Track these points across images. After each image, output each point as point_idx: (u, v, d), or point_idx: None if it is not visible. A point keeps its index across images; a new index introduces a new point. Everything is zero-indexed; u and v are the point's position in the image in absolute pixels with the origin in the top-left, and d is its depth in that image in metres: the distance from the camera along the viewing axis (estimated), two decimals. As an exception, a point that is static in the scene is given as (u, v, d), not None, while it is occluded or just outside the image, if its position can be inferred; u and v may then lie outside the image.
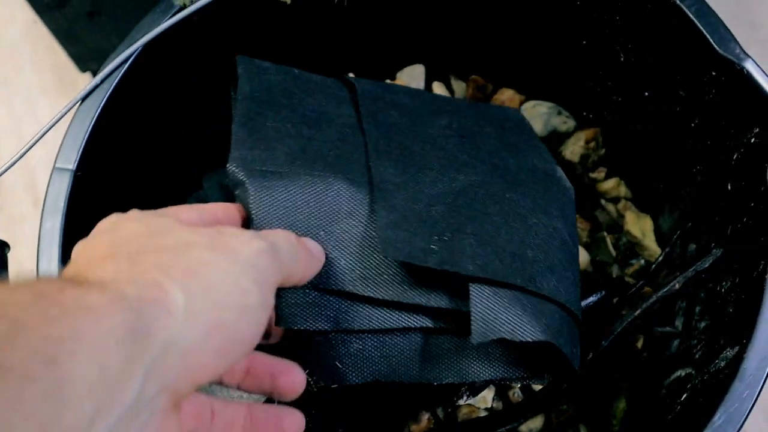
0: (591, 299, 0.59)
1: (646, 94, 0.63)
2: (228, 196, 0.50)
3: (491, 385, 0.60)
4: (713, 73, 0.55)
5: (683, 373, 0.55)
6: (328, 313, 0.45)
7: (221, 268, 0.32)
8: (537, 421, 0.60)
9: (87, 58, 0.89)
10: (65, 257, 0.51)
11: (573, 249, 0.52)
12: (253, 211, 0.44)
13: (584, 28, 0.64)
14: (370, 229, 0.46)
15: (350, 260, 0.45)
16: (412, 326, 0.46)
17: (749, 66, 0.53)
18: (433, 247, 0.45)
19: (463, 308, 0.45)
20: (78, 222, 0.52)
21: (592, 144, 0.69)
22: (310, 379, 0.44)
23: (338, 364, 0.46)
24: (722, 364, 0.50)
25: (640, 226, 0.67)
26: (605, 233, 0.68)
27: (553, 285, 0.47)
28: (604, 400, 0.61)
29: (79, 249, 0.34)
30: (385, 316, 0.46)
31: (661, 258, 0.61)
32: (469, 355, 0.48)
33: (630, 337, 0.60)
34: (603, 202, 0.70)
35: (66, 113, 0.54)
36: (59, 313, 0.25)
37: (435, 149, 0.54)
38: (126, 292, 0.28)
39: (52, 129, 0.54)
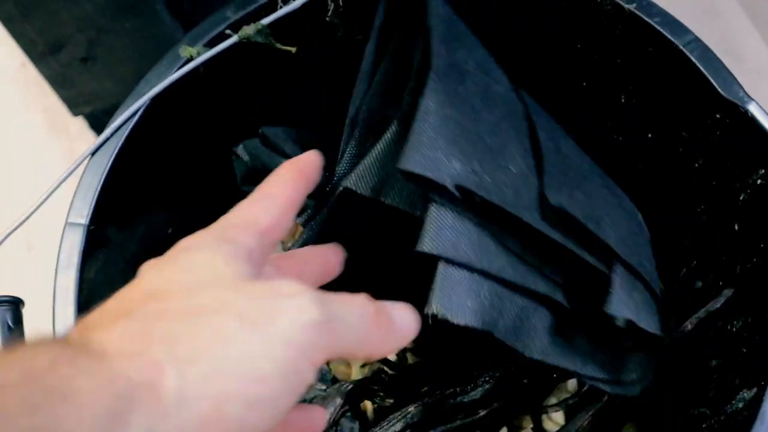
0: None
1: (649, 135, 0.64)
2: None
3: (505, 428, 0.60)
4: (717, 116, 0.56)
5: (696, 412, 0.56)
6: (473, 247, 0.46)
7: (242, 347, 0.28)
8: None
9: (80, 102, 0.89)
10: (81, 311, 0.51)
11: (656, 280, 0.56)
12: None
13: (584, 71, 0.65)
14: (532, 183, 0.50)
15: (514, 197, 0.48)
16: (531, 287, 0.48)
17: (753, 108, 0.54)
18: (585, 217, 0.49)
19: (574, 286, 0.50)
20: (92, 276, 0.52)
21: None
22: (436, 312, 0.44)
23: (470, 304, 0.45)
24: (740, 405, 0.50)
25: (643, 263, 0.68)
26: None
27: (650, 270, 0.53)
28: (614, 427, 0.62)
29: (120, 293, 0.31)
30: (513, 270, 0.48)
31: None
32: (558, 342, 0.50)
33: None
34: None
35: (74, 170, 0.54)
36: (42, 400, 0.24)
37: (574, 151, 0.60)
38: (121, 373, 0.26)
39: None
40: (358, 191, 0.48)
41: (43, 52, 0.79)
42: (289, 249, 0.50)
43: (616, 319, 0.49)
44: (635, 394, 0.51)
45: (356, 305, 0.32)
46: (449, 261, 0.45)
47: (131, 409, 0.25)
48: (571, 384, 0.61)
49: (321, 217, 0.51)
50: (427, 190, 0.45)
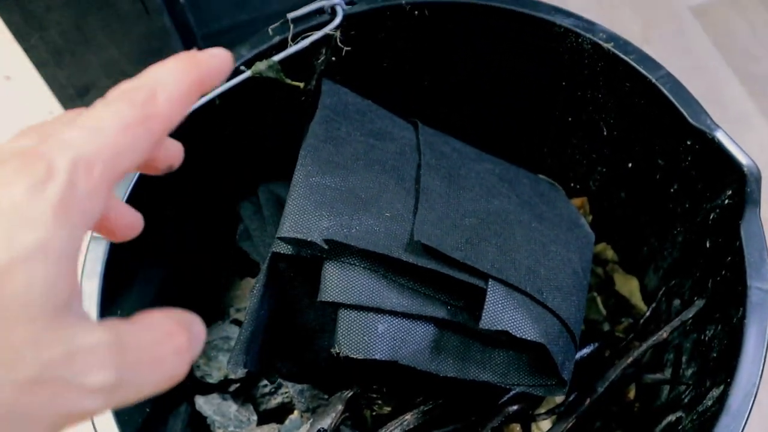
0: (585, 350, 0.64)
1: (629, 165, 0.69)
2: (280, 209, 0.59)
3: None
4: (688, 143, 0.61)
5: (674, 418, 0.59)
6: (362, 290, 0.52)
7: None
8: (540, 470, 0.64)
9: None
10: (103, 315, 0.56)
11: (583, 281, 0.59)
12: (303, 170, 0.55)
13: (569, 107, 0.71)
14: (408, 223, 0.54)
15: (386, 238, 0.53)
16: (429, 315, 0.53)
17: (720, 135, 0.59)
18: (461, 246, 0.53)
19: (473, 306, 0.54)
20: (115, 283, 0.57)
21: (581, 211, 0.75)
22: (339, 351, 0.51)
23: (366, 339, 0.52)
24: (709, 403, 0.54)
25: (627, 287, 0.72)
26: (595, 293, 0.73)
27: (558, 302, 0.54)
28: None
29: None
30: (408, 302, 0.53)
31: (648, 313, 0.66)
32: (472, 357, 0.55)
33: (623, 385, 0.64)
34: (593, 265, 0.75)
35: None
36: None
37: (478, 179, 0.62)
38: None
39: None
40: (282, 251, 0.55)
41: (71, 95, 0.85)
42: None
43: (491, 331, 0.53)
44: (562, 395, 0.55)
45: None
46: (345, 305, 0.52)
47: None
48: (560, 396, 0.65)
49: (260, 280, 0.56)
50: (301, 247, 0.54)
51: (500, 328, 0.51)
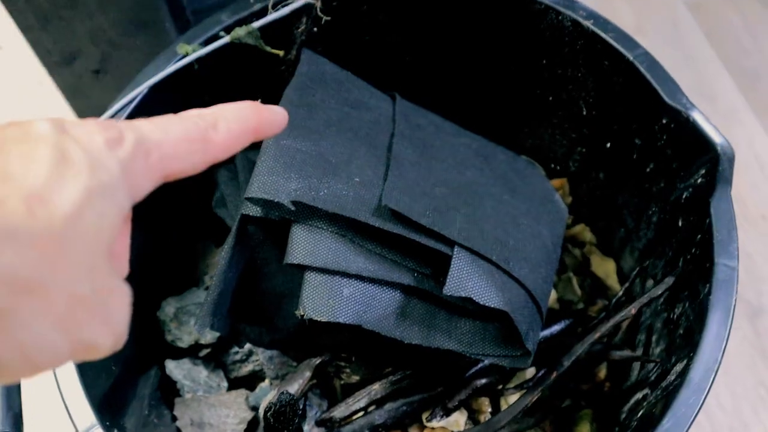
0: (556, 327, 0.64)
1: (608, 144, 0.69)
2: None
3: (463, 409, 0.64)
4: (663, 122, 0.61)
5: (641, 395, 0.59)
6: (329, 253, 0.52)
7: None
8: (506, 444, 0.64)
9: (92, 114, 0.95)
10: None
11: (552, 254, 0.59)
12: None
13: (550, 85, 0.71)
14: (377, 189, 0.54)
15: (354, 202, 0.53)
16: (396, 281, 0.53)
17: (695, 114, 0.59)
18: (428, 213, 0.53)
19: (440, 275, 0.54)
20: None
21: (560, 193, 0.75)
22: (303, 313, 0.51)
23: (330, 302, 0.52)
24: (672, 378, 0.54)
25: (603, 268, 0.72)
26: (571, 274, 0.73)
27: (525, 272, 0.54)
28: (571, 424, 0.65)
29: None
30: (375, 267, 0.53)
31: (621, 293, 0.66)
32: (438, 326, 0.55)
33: (592, 362, 0.64)
34: (569, 246, 0.75)
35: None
36: None
37: (452, 151, 0.62)
38: None
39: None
40: (251, 214, 0.55)
41: (57, 62, 0.85)
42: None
43: (457, 299, 0.53)
44: (526, 367, 0.55)
45: None
46: (311, 268, 0.52)
47: None
48: (529, 371, 0.65)
49: (229, 242, 0.56)
50: (270, 209, 0.53)
51: (464, 295, 0.51)
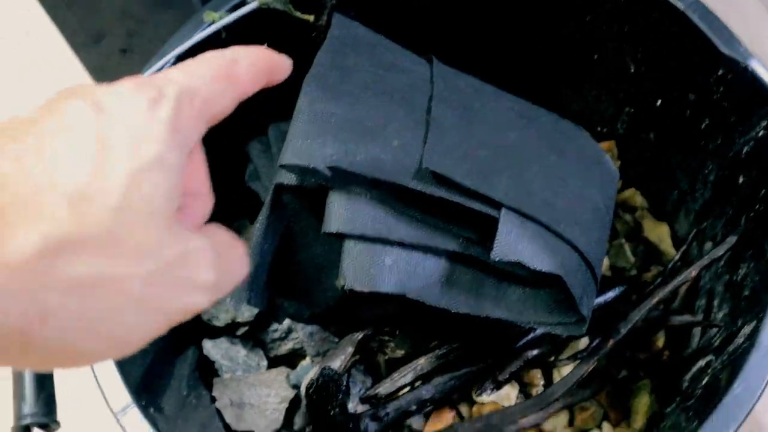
0: (610, 294, 0.60)
1: (658, 103, 0.66)
2: None
3: (514, 382, 0.61)
4: (720, 73, 0.57)
5: (704, 362, 0.56)
6: (369, 220, 0.49)
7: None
8: (561, 418, 0.61)
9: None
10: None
11: (605, 217, 0.56)
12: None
13: (595, 42, 0.67)
14: (417, 152, 0.51)
15: (393, 166, 0.50)
16: (440, 247, 0.50)
17: (754, 64, 0.55)
18: (472, 175, 0.50)
19: (487, 239, 0.50)
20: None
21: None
22: (344, 284, 0.48)
23: (372, 271, 0.49)
24: (740, 341, 0.51)
25: (657, 233, 0.69)
26: (623, 240, 0.69)
27: (576, 235, 0.51)
28: (628, 396, 0.62)
29: None
30: (418, 233, 0.50)
31: (677, 257, 0.62)
32: (486, 294, 0.52)
33: (650, 329, 0.61)
34: (620, 212, 0.71)
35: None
36: None
37: (493, 113, 0.58)
38: None
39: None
40: (285, 182, 0.52)
41: (84, 42, 0.83)
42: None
43: (506, 264, 0.49)
44: (581, 334, 0.52)
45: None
46: (350, 236, 0.49)
47: None
48: (583, 341, 0.62)
49: (264, 212, 0.54)
50: (305, 176, 0.51)
51: (513, 259, 0.48)
